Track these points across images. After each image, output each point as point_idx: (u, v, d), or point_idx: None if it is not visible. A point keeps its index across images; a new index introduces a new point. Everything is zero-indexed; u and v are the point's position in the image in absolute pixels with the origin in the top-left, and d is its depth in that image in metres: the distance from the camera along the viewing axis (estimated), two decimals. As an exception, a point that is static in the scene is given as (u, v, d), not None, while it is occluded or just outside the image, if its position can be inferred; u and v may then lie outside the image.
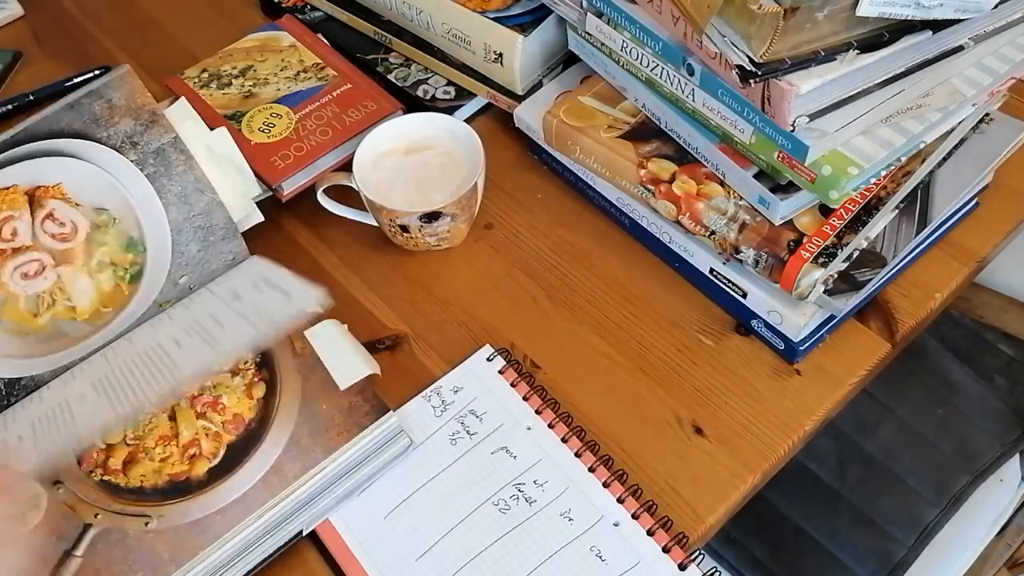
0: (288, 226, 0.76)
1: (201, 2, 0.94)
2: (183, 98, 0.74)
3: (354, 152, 0.71)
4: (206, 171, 0.69)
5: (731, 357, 0.66)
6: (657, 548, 0.57)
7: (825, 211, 0.61)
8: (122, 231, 0.67)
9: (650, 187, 0.66)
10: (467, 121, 0.75)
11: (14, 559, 0.55)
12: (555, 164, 0.76)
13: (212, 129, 0.72)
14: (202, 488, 0.58)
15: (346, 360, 0.63)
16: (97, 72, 0.87)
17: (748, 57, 0.53)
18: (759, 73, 0.52)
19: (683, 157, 0.66)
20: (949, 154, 0.65)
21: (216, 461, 0.59)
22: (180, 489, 0.58)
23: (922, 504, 0.90)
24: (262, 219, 0.72)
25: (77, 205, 0.67)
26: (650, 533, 0.57)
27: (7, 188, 0.66)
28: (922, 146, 0.60)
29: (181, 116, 0.71)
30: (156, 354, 0.63)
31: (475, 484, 0.60)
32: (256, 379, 0.62)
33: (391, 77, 0.82)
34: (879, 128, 0.58)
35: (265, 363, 0.63)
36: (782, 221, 0.61)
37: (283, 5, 0.89)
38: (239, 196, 0.71)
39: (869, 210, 0.61)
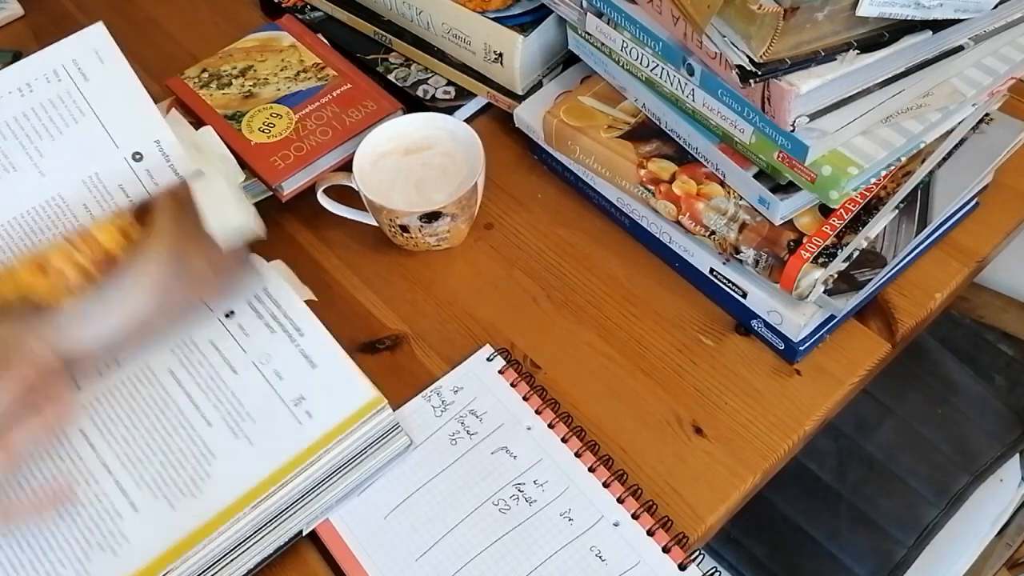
0: (288, 226, 0.76)
1: (201, 2, 0.94)
2: (174, 109, 0.76)
3: (354, 152, 0.71)
4: (196, 167, 0.70)
5: (731, 357, 0.66)
6: (657, 548, 0.57)
7: (825, 211, 0.61)
8: None
9: (650, 187, 0.66)
10: (467, 121, 0.75)
11: None
12: (555, 164, 0.76)
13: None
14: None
15: (228, 216, 0.62)
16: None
17: (748, 57, 0.53)
18: (759, 73, 0.52)
19: (683, 157, 0.66)
20: (949, 154, 0.65)
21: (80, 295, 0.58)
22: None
23: (922, 504, 0.90)
24: (261, 230, 0.71)
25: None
26: (650, 533, 0.57)
27: None
28: (922, 146, 0.60)
29: (173, 122, 0.73)
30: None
31: (475, 484, 0.60)
32: (131, 222, 0.61)
33: (391, 77, 0.82)
34: (879, 128, 0.58)
35: (144, 209, 0.61)
36: (782, 221, 0.61)
37: (283, 5, 0.89)
38: (231, 192, 0.71)
39: (869, 210, 0.61)
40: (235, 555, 0.57)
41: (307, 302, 0.65)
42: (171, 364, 0.61)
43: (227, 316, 0.63)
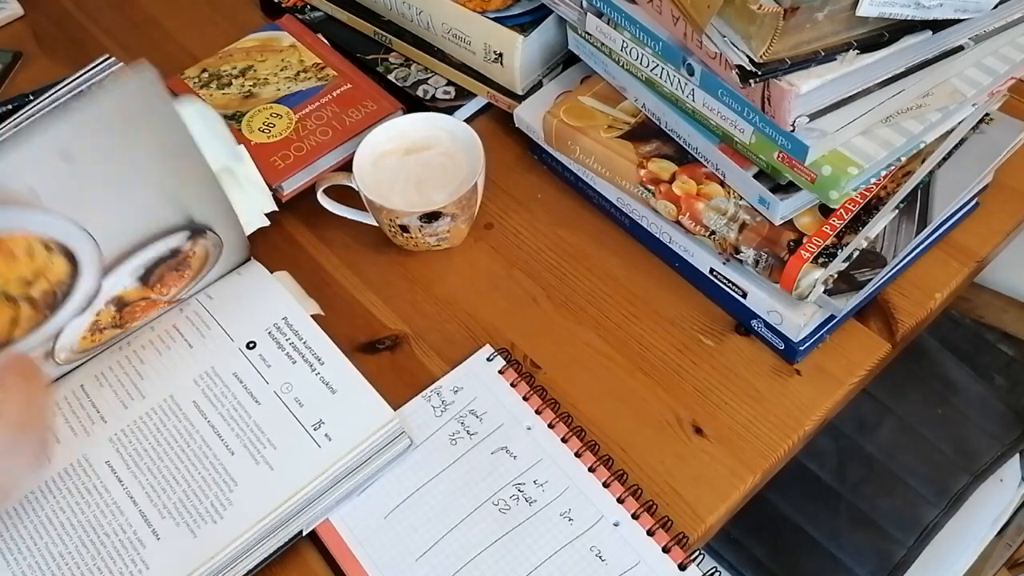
0: (288, 226, 0.76)
1: (201, 2, 0.94)
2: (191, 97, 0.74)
3: (354, 152, 0.71)
4: (224, 187, 0.66)
5: (731, 357, 0.66)
6: (657, 548, 0.57)
7: (825, 211, 0.61)
8: None
9: (650, 187, 0.66)
10: (467, 121, 0.75)
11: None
12: (555, 164, 0.76)
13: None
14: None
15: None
16: (97, 72, 0.87)
17: (748, 57, 0.53)
18: (759, 73, 0.52)
19: (683, 157, 0.66)
20: (949, 154, 0.65)
21: None
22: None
23: (922, 504, 0.90)
24: (267, 223, 0.71)
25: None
26: (650, 533, 0.57)
27: None
28: (922, 146, 0.60)
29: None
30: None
31: (475, 484, 0.60)
32: None
33: (391, 77, 0.82)
34: (879, 128, 0.58)
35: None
36: (782, 221, 0.61)
37: (283, 5, 0.89)
38: (256, 213, 0.70)
39: (869, 210, 0.61)
40: (236, 559, 0.57)
41: (313, 316, 0.65)
42: (195, 396, 0.62)
43: (249, 347, 0.64)
